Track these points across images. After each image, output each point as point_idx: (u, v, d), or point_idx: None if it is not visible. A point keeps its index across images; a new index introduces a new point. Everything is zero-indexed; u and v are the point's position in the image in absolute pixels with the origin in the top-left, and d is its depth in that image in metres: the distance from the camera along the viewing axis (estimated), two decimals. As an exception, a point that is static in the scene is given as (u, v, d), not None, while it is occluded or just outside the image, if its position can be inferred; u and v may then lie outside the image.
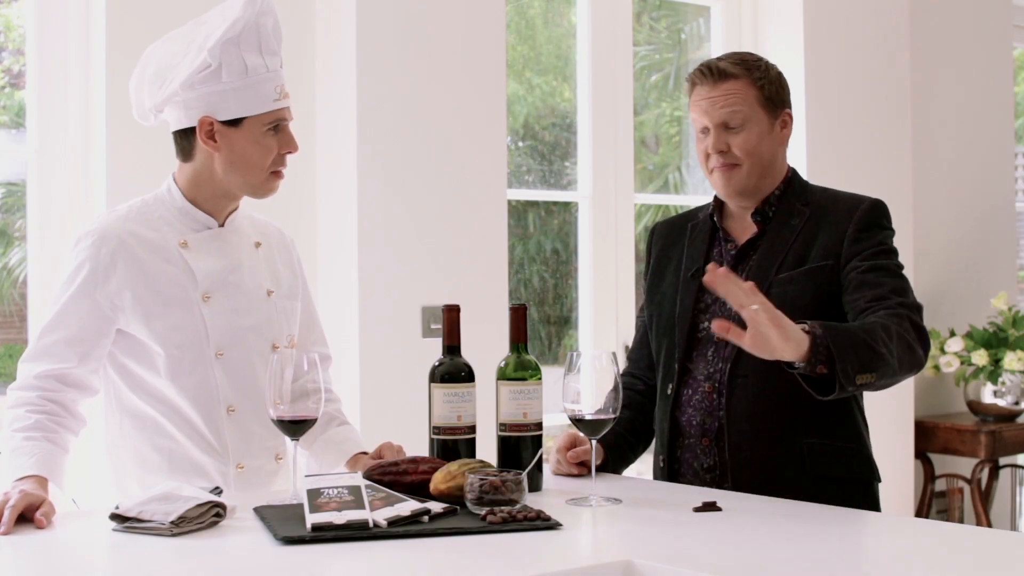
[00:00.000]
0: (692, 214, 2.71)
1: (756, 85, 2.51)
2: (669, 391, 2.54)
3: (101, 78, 3.49)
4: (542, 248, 4.74)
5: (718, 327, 2.13)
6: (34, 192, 3.51)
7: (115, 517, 1.99)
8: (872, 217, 2.49)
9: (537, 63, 4.77)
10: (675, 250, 2.66)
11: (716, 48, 4.96)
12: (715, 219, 2.60)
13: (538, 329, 4.70)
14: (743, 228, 2.58)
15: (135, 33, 3.40)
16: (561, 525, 1.99)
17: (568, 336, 4.78)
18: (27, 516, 2.01)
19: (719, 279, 2.16)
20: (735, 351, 2.43)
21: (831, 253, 2.45)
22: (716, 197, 2.62)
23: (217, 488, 2.14)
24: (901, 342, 2.26)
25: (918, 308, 2.37)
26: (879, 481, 2.52)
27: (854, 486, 2.46)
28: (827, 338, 2.16)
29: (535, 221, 4.74)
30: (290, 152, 2.45)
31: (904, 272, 2.46)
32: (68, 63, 3.53)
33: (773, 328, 2.10)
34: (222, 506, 2.03)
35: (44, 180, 3.51)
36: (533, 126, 4.71)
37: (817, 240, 2.47)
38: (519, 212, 4.66)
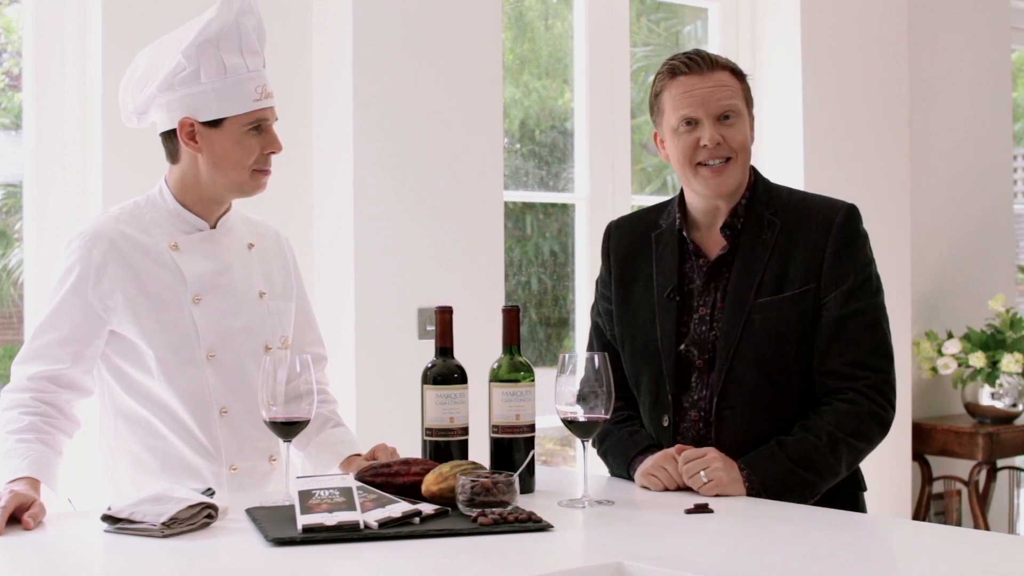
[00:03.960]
0: (652, 220, 2.56)
1: (740, 80, 2.45)
2: (665, 423, 2.46)
3: (98, 80, 3.49)
4: (540, 250, 4.74)
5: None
6: (31, 193, 3.52)
7: (107, 518, 1.99)
8: (849, 230, 2.41)
9: (535, 66, 4.78)
10: (641, 264, 2.53)
11: (713, 49, 4.96)
12: (683, 232, 2.47)
13: (537, 331, 4.70)
14: (712, 241, 2.46)
15: (132, 35, 3.40)
16: (552, 527, 1.99)
17: (567, 338, 4.78)
18: (18, 517, 2.02)
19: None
20: (721, 381, 2.39)
21: (811, 276, 2.38)
22: (681, 207, 2.50)
23: (209, 489, 2.14)
24: (851, 451, 2.36)
25: (889, 384, 2.40)
26: (864, 491, 2.51)
27: (843, 498, 2.42)
28: (761, 490, 2.30)
29: (533, 223, 4.75)
30: (273, 152, 2.44)
31: (882, 302, 2.43)
32: (65, 65, 3.53)
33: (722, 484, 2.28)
34: (214, 507, 2.03)
35: (41, 181, 3.52)
36: (531, 129, 4.72)
37: (793, 258, 2.39)
38: (517, 214, 4.66)
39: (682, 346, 2.44)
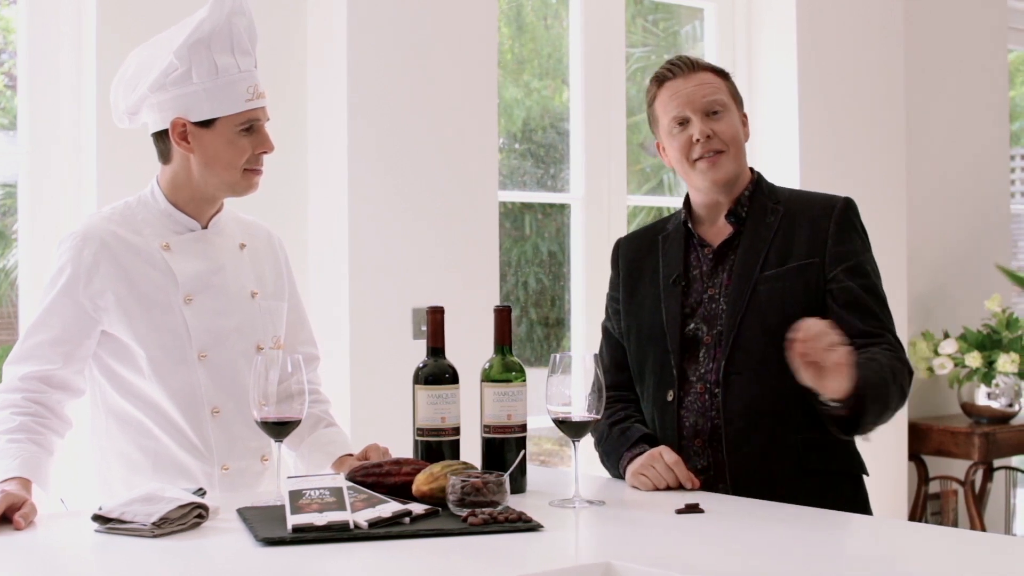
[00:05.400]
0: (659, 227, 2.69)
1: (724, 79, 2.58)
2: (670, 397, 2.50)
3: (92, 80, 3.49)
4: (538, 250, 4.74)
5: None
6: (26, 194, 3.52)
7: (97, 518, 2.00)
8: (850, 215, 2.52)
9: (535, 65, 4.78)
10: (647, 262, 2.63)
11: (710, 49, 4.97)
12: (689, 226, 2.59)
13: (535, 331, 4.70)
14: (716, 232, 2.57)
15: (126, 36, 3.39)
16: (542, 527, 1.99)
17: (565, 338, 4.78)
18: (9, 517, 2.02)
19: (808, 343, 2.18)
20: (728, 348, 2.45)
21: (816, 250, 2.47)
22: (687, 205, 2.61)
23: (200, 489, 2.14)
24: (899, 395, 2.38)
25: (901, 345, 2.48)
26: (867, 475, 2.53)
27: (845, 479, 2.48)
28: (864, 389, 2.24)
29: (531, 223, 4.75)
30: (265, 152, 2.45)
31: (880, 282, 2.52)
32: (60, 65, 3.53)
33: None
34: (204, 507, 2.03)
35: (36, 182, 3.52)
36: (531, 129, 4.72)
37: (797, 236, 2.49)
38: (516, 214, 4.66)
39: (691, 324, 2.51)
